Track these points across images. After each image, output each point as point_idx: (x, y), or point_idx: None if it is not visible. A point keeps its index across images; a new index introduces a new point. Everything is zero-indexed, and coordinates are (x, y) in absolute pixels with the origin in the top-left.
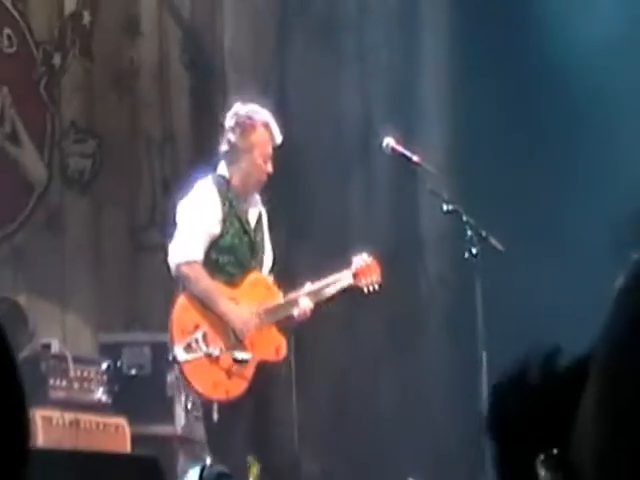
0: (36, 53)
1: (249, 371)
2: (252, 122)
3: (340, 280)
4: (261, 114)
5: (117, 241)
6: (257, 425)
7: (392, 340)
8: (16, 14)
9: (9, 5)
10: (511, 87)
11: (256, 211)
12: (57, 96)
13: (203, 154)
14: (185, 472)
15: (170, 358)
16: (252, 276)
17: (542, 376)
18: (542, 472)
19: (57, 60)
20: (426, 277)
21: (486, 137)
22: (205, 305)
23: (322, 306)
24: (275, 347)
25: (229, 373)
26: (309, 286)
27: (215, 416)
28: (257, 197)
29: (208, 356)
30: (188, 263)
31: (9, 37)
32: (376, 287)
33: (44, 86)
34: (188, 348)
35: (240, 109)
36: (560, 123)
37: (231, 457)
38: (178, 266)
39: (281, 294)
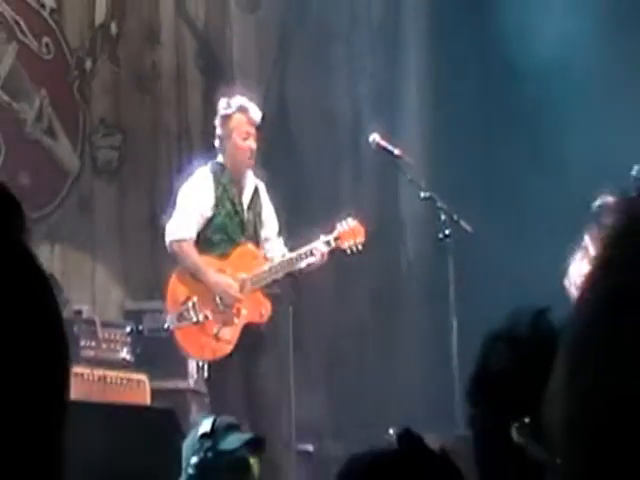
0: (70, 59)
1: (235, 334)
2: (228, 111)
3: (321, 244)
4: (236, 100)
5: (139, 222)
6: (249, 379)
7: (375, 309)
8: (53, 25)
9: (47, 17)
10: (480, 88)
11: (251, 188)
12: (88, 96)
13: (214, 146)
14: (197, 421)
15: (165, 327)
16: (240, 249)
17: (532, 329)
18: (516, 438)
19: (88, 65)
20: (405, 254)
21: (459, 132)
22: (195, 278)
23: (315, 277)
24: (260, 311)
25: (216, 337)
26: (289, 254)
27: (206, 374)
28: (250, 174)
29: (196, 323)
30: (179, 241)
31: (47, 45)
32: (359, 248)
33: (77, 88)
34: (180, 317)
35: (221, 103)
36: (522, 117)
37: (227, 406)
38: (171, 243)
39: (268, 263)
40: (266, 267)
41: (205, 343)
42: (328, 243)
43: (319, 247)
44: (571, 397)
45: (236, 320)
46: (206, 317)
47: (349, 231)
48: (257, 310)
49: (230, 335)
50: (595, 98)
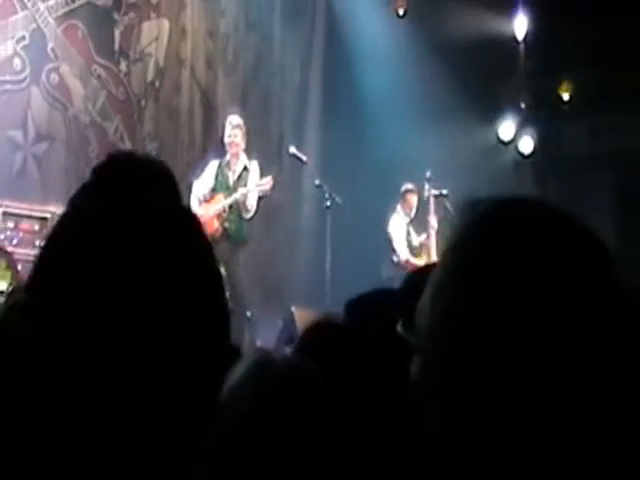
0: (133, 99)
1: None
2: (226, 127)
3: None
4: (228, 118)
5: None
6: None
7: (285, 239)
8: (125, 81)
9: (122, 77)
10: (349, 119)
11: (241, 166)
12: (142, 120)
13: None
14: None
15: None
16: (215, 197)
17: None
18: (400, 329)
19: (143, 103)
20: (304, 215)
21: (338, 146)
22: None
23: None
24: (214, 228)
25: None
26: (224, 200)
27: None
28: (243, 157)
29: None
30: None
31: (121, 91)
32: (267, 194)
33: (137, 116)
34: None
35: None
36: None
37: None
38: None
39: (223, 202)
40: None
41: None
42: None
43: (245, 191)
44: (434, 312)
45: None
46: None
47: (264, 183)
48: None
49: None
50: (409, 118)
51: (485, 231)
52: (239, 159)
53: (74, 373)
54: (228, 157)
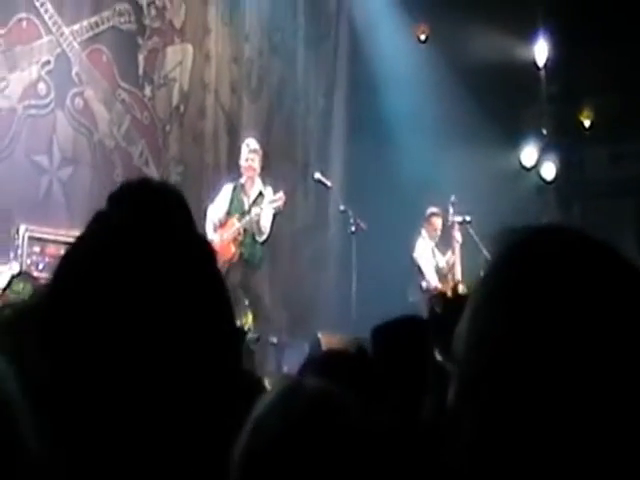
0: (158, 124)
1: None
2: (242, 150)
3: (261, 209)
4: (245, 141)
5: (193, 214)
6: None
7: (312, 263)
8: (149, 105)
9: (147, 102)
10: (374, 144)
11: (256, 191)
12: (167, 144)
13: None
14: None
15: None
16: (229, 221)
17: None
18: (438, 356)
19: (167, 129)
20: (330, 240)
21: (363, 171)
22: None
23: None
24: (231, 253)
25: None
26: (238, 223)
27: None
28: (258, 182)
29: None
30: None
31: (146, 116)
32: (281, 209)
33: (162, 140)
34: None
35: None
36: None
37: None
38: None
39: (237, 225)
40: (237, 224)
41: None
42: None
43: (259, 210)
44: (470, 337)
45: None
46: None
47: (278, 198)
48: (228, 253)
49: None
50: (433, 143)
51: (519, 259)
52: (254, 184)
53: (82, 406)
54: (243, 180)
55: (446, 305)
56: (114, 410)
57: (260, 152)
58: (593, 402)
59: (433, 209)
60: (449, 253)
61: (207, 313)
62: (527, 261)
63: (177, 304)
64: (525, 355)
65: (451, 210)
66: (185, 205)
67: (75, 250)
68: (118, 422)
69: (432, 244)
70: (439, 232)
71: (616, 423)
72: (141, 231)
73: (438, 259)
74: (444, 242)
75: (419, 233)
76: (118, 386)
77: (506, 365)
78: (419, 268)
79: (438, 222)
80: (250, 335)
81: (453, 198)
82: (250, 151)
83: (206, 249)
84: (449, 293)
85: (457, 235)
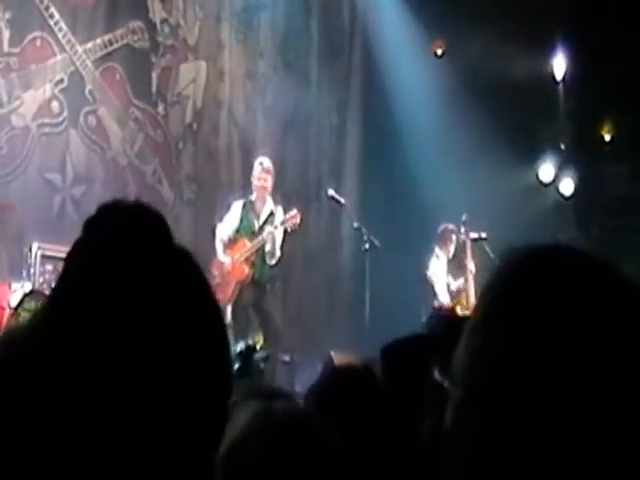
0: (171, 142)
1: (230, 289)
2: (255, 168)
3: (275, 227)
4: (259, 159)
5: (207, 232)
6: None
7: (325, 283)
8: (163, 123)
9: (160, 119)
10: (387, 161)
11: (267, 210)
12: (180, 162)
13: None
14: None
15: None
16: (240, 241)
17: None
18: (437, 376)
19: (181, 146)
20: (343, 258)
21: (376, 188)
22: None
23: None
24: (245, 274)
25: (223, 292)
26: (249, 244)
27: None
28: (269, 202)
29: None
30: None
31: (159, 134)
32: (296, 227)
33: (175, 158)
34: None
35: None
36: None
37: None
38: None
39: (249, 245)
40: (249, 245)
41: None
42: (280, 224)
43: (272, 229)
44: (467, 355)
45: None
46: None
47: (290, 217)
48: (243, 274)
49: (227, 290)
50: (448, 159)
51: (515, 278)
52: (266, 203)
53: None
54: (253, 198)
55: (445, 324)
56: (94, 443)
57: (273, 171)
58: (588, 421)
59: (447, 225)
60: (461, 280)
61: (186, 336)
62: (524, 281)
63: (156, 329)
64: (520, 376)
65: (463, 229)
66: (162, 222)
67: (57, 287)
68: (98, 454)
69: (445, 261)
70: (453, 249)
71: (613, 448)
72: (117, 256)
73: (450, 283)
74: (456, 265)
75: (432, 251)
76: (96, 422)
77: (501, 385)
78: (432, 287)
79: (452, 239)
80: (258, 354)
81: (465, 217)
82: (263, 170)
83: (188, 264)
84: (458, 312)
85: (471, 265)
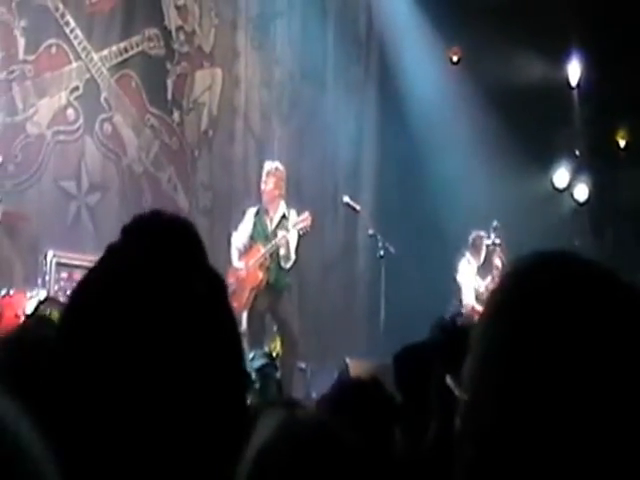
0: (187, 149)
1: (245, 295)
2: (266, 174)
3: (287, 231)
4: (272, 163)
5: (222, 240)
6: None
7: (341, 289)
8: (178, 131)
9: (175, 127)
10: (403, 168)
11: (279, 215)
12: (195, 170)
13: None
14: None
15: None
16: (254, 247)
17: (452, 326)
18: (450, 383)
19: (196, 154)
20: (358, 265)
21: (392, 195)
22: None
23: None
24: (259, 279)
25: (238, 299)
26: (263, 249)
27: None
28: (282, 205)
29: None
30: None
31: (175, 142)
32: (307, 230)
33: (190, 165)
34: None
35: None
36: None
37: (263, 342)
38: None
39: (263, 250)
40: (263, 251)
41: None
42: (292, 226)
43: (285, 233)
44: (475, 357)
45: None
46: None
47: (302, 219)
48: (257, 279)
49: (242, 297)
50: (463, 165)
51: (522, 284)
52: (278, 207)
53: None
54: (265, 204)
55: (448, 332)
56: (116, 450)
57: (279, 174)
58: (595, 427)
59: (478, 232)
60: (488, 278)
61: (212, 352)
62: (531, 287)
63: (184, 343)
64: (526, 380)
65: (492, 235)
66: (197, 238)
67: (87, 284)
68: (120, 462)
69: (476, 267)
70: (484, 255)
71: (620, 451)
72: (152, 267)
73: (479, 283)
74: (484, 267)
75: (463, 255)
76: (121, 425)
77: (508, 388)
78: (461, 290)
79: (483, 245)
80: (263, 361)
81: (495, 223)
82: (267, 173)
83: (217, 284)
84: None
85: (497, 261)
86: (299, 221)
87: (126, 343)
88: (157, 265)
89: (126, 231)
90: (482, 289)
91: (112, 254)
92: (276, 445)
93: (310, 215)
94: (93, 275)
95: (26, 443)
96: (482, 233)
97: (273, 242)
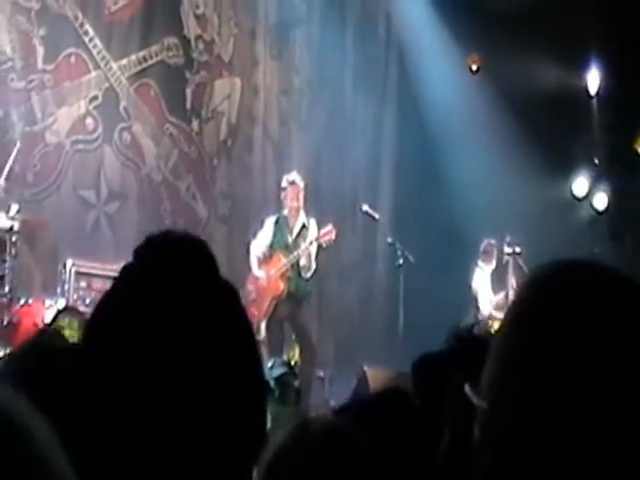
0: (206, 158)
1: (265, 304)
2: (284, 187)
3: (310, 243)
4: (290, 176)
5: (241, 248)
6: (292, 327)
7: (359, 297)
8: (197, 140)
9: (194, 136)
10: (422, 176)
11: (299, 224)
12: (214, 178)
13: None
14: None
15: None
16: (274, 257)
17: (469, 336)
18: (468, 391)
19: (215, 162)
20: (377, 273)
21: (411, 203)
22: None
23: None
24: (280, 290)
25: (258, 308)
26: (284, 259)
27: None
28: (301, 215)
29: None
30: (250, 261)
31: (193, 150)
32: (332, 243)
33: (209, 174)
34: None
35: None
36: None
37: (282, 350)
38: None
39: (284, 261)
40: (284, 261)
41: (250, 312)
42: (315, 240)
43: (307, 245)
44: (493, 365)
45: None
46: (252, 295)
47: (326, 232)
48: (277, 290)
49: (263, 305)
50: (482, 174)
51: (540, 294)
52: (298, 216)
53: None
54: (285, 213)
55: (472, 339)
56: (137, 457)
57: (300, 185)
58: (616, 437)
59: (489, 240)
60: (502, 294)
61: (231, 362)
62: (551, 296)
63: (200, 360)
64: (546, 389)
65: (506, 249)
66: (210, 255)
67: (103, 307)
68: (141, 468)
69: (489, 274)
70: (494, 263)
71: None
72: (168, 284)
73: (494, 290)
74: (497, 279)
75: (476, 264)
76: (142, 433)
77: (527, 398)
78: (476, 299)
79: (494, 253)
80: (282, 369)
81: (509, 238)
82: (284, 188)
83: (232, 297)
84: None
85: (512, 280)
86: (323, 235)
87: (148, 357)
88: (173, 282)
89: (139, 252)
90: (498, 297)
91: (127, 276)
92: (289, 451)
93: (333, 228)
94: (109, 297)
95: (38, 437)
96: (493, 241)
97: (295, 253)
